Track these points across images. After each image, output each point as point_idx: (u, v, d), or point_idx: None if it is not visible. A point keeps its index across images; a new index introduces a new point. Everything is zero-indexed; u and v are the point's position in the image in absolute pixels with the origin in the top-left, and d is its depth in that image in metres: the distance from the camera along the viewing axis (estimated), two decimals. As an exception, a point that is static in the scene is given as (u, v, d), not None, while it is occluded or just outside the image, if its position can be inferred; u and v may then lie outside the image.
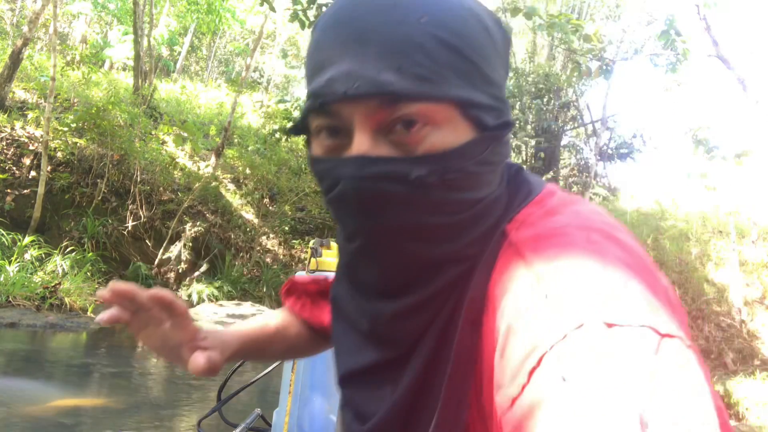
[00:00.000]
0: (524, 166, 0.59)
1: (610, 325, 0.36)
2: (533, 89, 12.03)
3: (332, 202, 0.51)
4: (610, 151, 11.94)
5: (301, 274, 1.71)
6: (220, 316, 7.60)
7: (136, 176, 9.33)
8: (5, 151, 8.68)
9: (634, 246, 0.45)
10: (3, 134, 8.78)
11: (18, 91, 9.95)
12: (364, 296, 0.56)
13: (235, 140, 12.27)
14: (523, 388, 0.38)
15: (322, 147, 0.52)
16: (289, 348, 0.86)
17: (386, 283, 0.53)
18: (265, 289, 9.66)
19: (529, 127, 11.95)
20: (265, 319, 0.86)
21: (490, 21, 0.52)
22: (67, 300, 5.97)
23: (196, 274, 9.31)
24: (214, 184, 10.57)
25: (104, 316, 0.57)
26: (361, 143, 0.48)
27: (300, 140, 13.08)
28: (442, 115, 0.47)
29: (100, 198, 8.93)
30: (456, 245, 0.50)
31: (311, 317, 0.84)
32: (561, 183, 12.69)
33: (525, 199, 0.52)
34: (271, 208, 11.06)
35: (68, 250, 7.26)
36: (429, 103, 0.47)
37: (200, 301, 8.56)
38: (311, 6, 5.90)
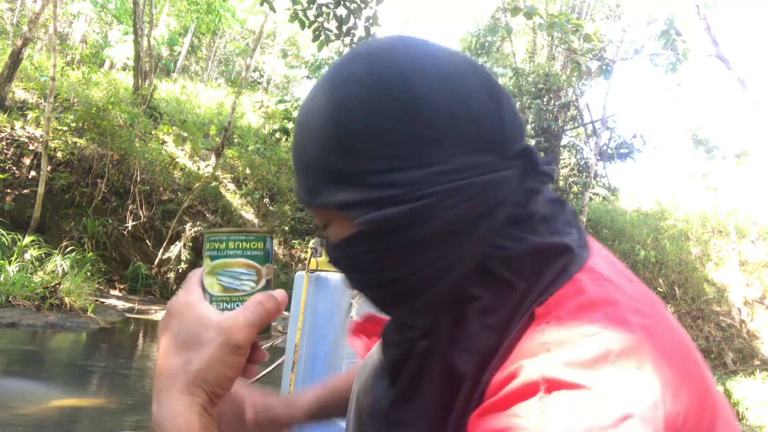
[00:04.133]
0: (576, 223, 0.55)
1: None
2: (533, 89, 12.03)
3: None
4: (610, 151, 11.94)
5: (300, 274, 1.71)
6: (220, 316, 7.60)
7: (136, 176, 9.33)
8: (5, 151, 8.68)
9: (674, 347, 0.43)
10: (3, 134, 8.78)
11: (18, 91, 9.95)
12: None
13: (235, 140, 12.27)
14: None
15: None
16: None
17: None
18: (265, 289, 9.66)
19: (528, 127, 11.95)
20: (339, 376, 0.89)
21: (383, 100, 0.51)
22: (67, 300, 5.97)
23: (196, 274, 9.31)
24: (214, 184, 10.57)
25: None
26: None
27: (300, 140, 13.08)
28: (327, 216, 0.56)
29: (100, 198, 8.93)
30: (400, 312, 0.57)
31: None
32: (561, 183, 12.69)
33: (559, 279, 0.48)
34: (271, 208, 11.06)
35: (68, 250, 7.26)
36: (318, 209, 0.55)
37: (200, 301, 8.57)
38: (311, 6, 5.89)
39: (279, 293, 0.54)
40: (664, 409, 0.39)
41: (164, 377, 0.48)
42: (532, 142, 11.82)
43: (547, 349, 0.43)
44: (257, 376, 1.68)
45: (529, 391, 0.41)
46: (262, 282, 0.54)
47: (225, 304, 0.52)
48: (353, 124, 0.51)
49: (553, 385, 0.40)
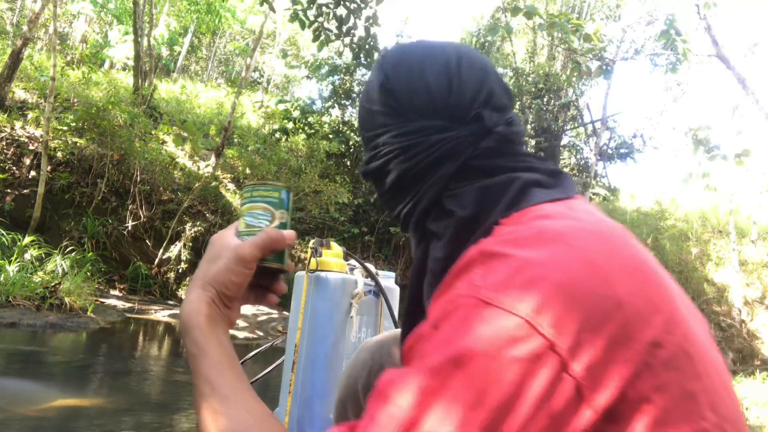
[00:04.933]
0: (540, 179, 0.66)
1: (488, 305, 0.47)
2: (533, 89, 12.03)
3: None
4: (610, 151, 11.94)
5: (300, 274, 1.71)
6: (220, 316, 7.59)
7: (136, 176, 9.33)
8: (5, 151, 8.68)
9: (593, 254, 0.51)
10: (3, 134, 8.78)
11: (18, 91, 9.94)
12: None
13: (235, 140, 12.27)
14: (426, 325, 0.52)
15: None
16: None
17: None
18: (265, 289, 9.65)
19: (529, 127, 11.95)
20: None
21: (382, 87, 0.73)
22: (67, 300, 5.97)
23: (196, 274, 9.31)
24: (214, 184, 10.57)
25: None
26: None
27: (300, 140, 13.08)
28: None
29: (100, 198, 8.93)
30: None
31: None
32: (561, 183, 12.69)
33: (525, 203, 0.62)
34: (271, 208, 11.06)
35: (68, 250, 7.26)
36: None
37: (200, 301, 8.55)
38: (311, 6, 5.89)
39: (287, 232, 0.67)
40: (565, 275, 0.48)
41: (193, 281, 0.65)
42: (533, 142, 11.81)
43: (487, 239, 0.56)
44: (257, 377, 1.68)
45: (468, 266, 0.52)
46: (276, 222, 0.68)
47: (246, 237, 0.67)
48: (362, 104, 0.76)
49: (485, 257, 0.52)
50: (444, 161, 0.67)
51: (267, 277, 0.71)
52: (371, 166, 0.73)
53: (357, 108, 0.79)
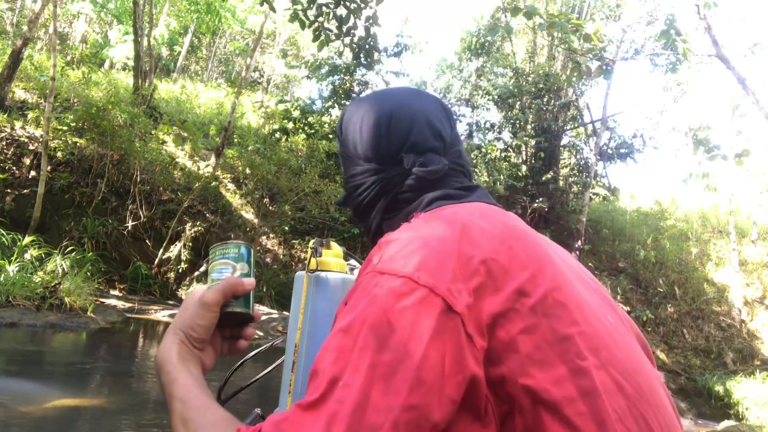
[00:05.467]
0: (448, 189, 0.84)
1: (381, 273, 0.59)
2: (533, 89, 12.02)
3: None
4: (610, 151, 11.93)
5: (300, 274, 1.71)
6: (220, 316, 7.58)
7: (136, 176, 9.33)
8: (5, 151, 8.68)
9: (465, 227, 0.65)
10: (3, 134, 8.78)
11: (18, 91, 9.94)
12: None
13: (235, 140, 12.27)
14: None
15: None
16: None
17: None
18: (265, 289, 9.65)
19: (529, 127, 11.95)
20: None
21: (348, 126, 0.90)
22: (67, 300, 5.97)
23: (196, 274, 9.31)
24: (214, 184, 10.57)
25: None
26: None
27: (300, 140, 13.08)
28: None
29: (100, 198, 8.93)
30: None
31: None
32: (561, 183, 12.68)
33: (426, 208, 0.78)
34: (271, 208, 11.06)
35: (68, 250, 7.26)
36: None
37: (200, 301, 8.55)
38: (311, 6, 5.89)
39: (247, 279, 0.76)
40: (439, 241, 0.62)
41: (167, 330, 0.74)
42: (532, 142, 11.80)
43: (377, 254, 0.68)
44: (257, 377, 1.68)
45: (371, 255, 0.67)
46: (237, 273, 0.77)
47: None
48: (342, 135, 0.93)
49: (384, 243, 0.66)
50: (380, 197, 0.84)
51: (236, 325, 0.81)
52: (341, 198, 0.93)
53: None
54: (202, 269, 9.37)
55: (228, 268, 0.77)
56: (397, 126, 0.84)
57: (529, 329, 0.57)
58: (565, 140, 13.20)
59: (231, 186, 11.16)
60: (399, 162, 0.83)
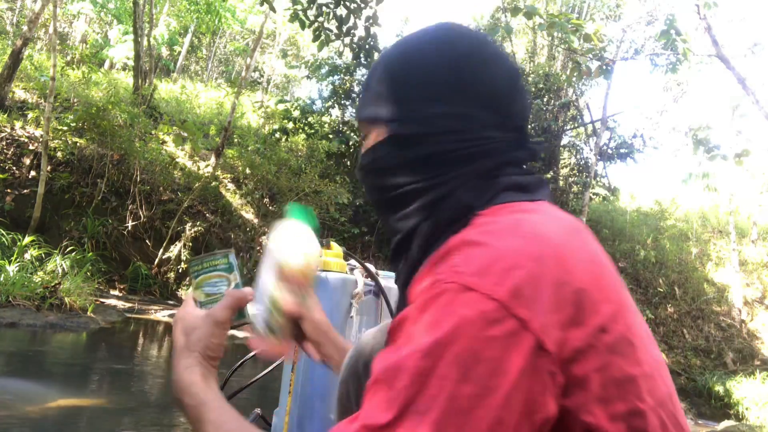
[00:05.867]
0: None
1: (470, 290, 0.52)
2: (533, 89, 12.03)
3: None
4: (610, 151, 11.93)
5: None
6: (220, 316, 7.59)
7: (136, 176, 9.33)
8: (5, 151, 8.68)
9: (560, 246, 0.58)
10: (3, 134, 8.78)
11: (18, 91, 9.94)
12: None
13: (235, 140, 12.27)
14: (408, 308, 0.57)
15: None
16: None
17: None
18: (265, 289, 9.65)
19: (529, 126, 11.95)
20: None
21: (441, 57, 0.71)
22: (67, 300, 5.97)
23: (196, 274, 9.30)
24: (214, 184, 10.56)
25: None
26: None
27: (300, 140, 13.07)
28: (368, 128, 0.77)
29: (100, 198, 8.93)
30: (390, 218, 0.74)
31: None
32: (561, 183, 12.68)
33: (502, 201, 0.66)
34: (271, 208, 11.06)
35: (68, 250, 7.26)
36: (362, 121, 0.78)
37: (200, 301, 8.55)
38: (311, 6, 5.89)
39: (246, 289, 0.77)
40: (536, 265, 0.54)
41: (176, 354, 0.72)
42: (532, 142, 11.79)
43: (467, 230, 0.61)
44: (257, 377, 1.68)
45: (448, 253, 0.57)
46: (232, 284, 0.77)
47: (211, 305, 0.77)
48: (414, 70, 0.72)
49: (465, 245, 0.57)
50: (480, 158, 0.69)
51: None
52: (407, 128, 0.71)
53: (372, 69, 0.78)
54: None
55: (223, 281, 0.77)
56: (524, 91, 0.75)
57: (602, 368, 0.54)
58: (565, 140, 13.20)
59: (231, 186, 11.16)
60: (514, 128, 0.72)
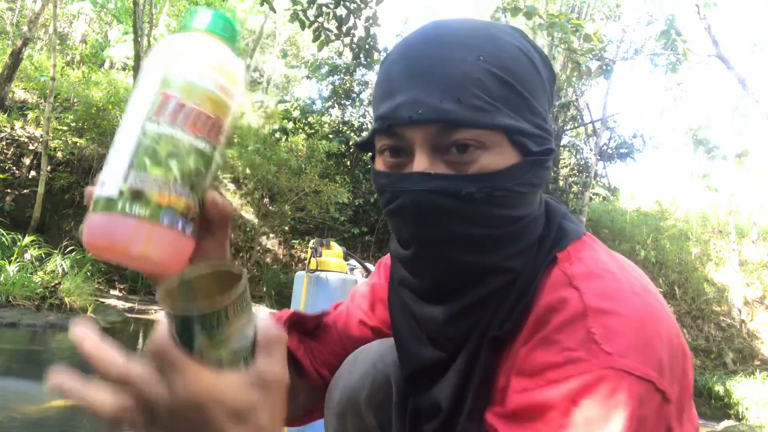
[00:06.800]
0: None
1: (629, 374, 0.48)
2: (533, 89, 12.02)
3: (391, 213, 0.60)
4: (610, 151, 11.93)
5: (301, 274, 1.72)
6: (220, 316, 7.59)
7: (136, 176, 9.32)
8: (5, 151, 8.68)
9: (657, 300, 0.55)
10: (3, 134, 8.78)
11: (18, 91, 9.94)
12: (419, 302, 0.65)
13: (235, 140, 12.27)
14: (539, 386, 0.50)
15: (385, 164, 0.60)
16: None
17: (436, 289, 0.62)
18: (265, 289, 9.65)
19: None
20: None
21: (537, 58, 0.59)
22: (67, 300, 5.97)
23: (196, 274, 9.30)
24: (213, 183, 10.56)
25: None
26: (421, 162, 0.56)
27: (300, 140, 13.08)
28: (492, 140, 0.55)
29: (100, 198, 8.93)
30: (497, 257, 0.59)
31: (311, 364, 0.84)
32: (561, 183, 12.68)
33: (573, 235, 0.60)
34: (271, 208, 11.07)
35: (68, 250, 7.26)
36: (482, 130, 0.55)
37: (200, 301, 8.56)
38: (311, 6, 5.89)
39: (279, 332, 0.44)
40: (673, 333, 0.53)
41: None
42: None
43: (578, 283, 0.53)
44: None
45: (575, 321, 0.51)
46: (252, 321, 0.43)
47: (239, 362, 0.42)
48: (523, 67, 0.57)
49: (596, 314, 0.50)
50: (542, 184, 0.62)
51: None
52: (546, 148, 0.58)
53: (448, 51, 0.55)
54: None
55: (250, 322, 0.42)
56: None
57: (681, 422, 0.55)
58: (565, 140, 13.20)
59: (231, 186, 11.17)
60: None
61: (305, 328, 0.86)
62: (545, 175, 0.60)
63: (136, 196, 0.41)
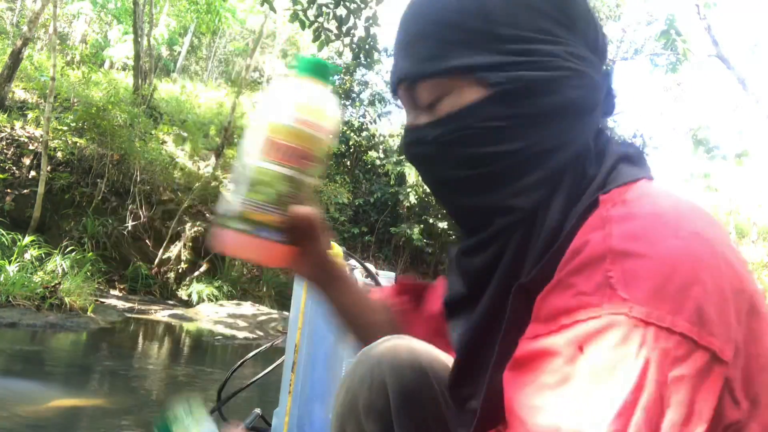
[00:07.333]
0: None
1: (647, 324, 0.41)
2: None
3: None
4: (610, 151, 11.92)
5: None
6: (221, 316, 7.60)
7: (136, 176, 9.33)
8: (5, 151, 8.68)
9: (718, 241, 0.46)
10: (3, 134, 8.78)
11: (18, 91, 9.94)
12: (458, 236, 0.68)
13: (235, 140, 12.27)
14: (550, 332, 0.45)
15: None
16: (369, 324, 0.83)
17: (458, 227, 0.65)
18: (265, 289, 9.66)
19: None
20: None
21: None
22: (67, 300, 5.97)
23: (196, 273, 9.31)
24: (214, 184, 10.57)
25: None
26: (408, 118, 0.62)
27: (300, 140, 13.09)
28: (449, 84, 0.56)
29: (100, 198, 8.93)
30: (496, 196, 0.57)
31: (413, 321, 0.85)
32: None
33: (625, 178, 0.53)
34: (271, 208, 11.07)
35: (68, 250, 7.26)
36: (435, 78, 0.56)
37: (200, 301, 8.57)
38: (311, 6, 5.89)
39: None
40: (732, 285, 0.44)
41: None
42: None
43: (610, 225, 0.47)
44: (257, 377, 1.68)
45: (593, 263, 0.45)
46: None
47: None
48: None
49: (618, 256, 0.44)
50: (595, 109, 0.57)
51: None
52: (527, 74, 0.54)
53: (420, 3, 0.59)
54: (202, 269, 9.37)
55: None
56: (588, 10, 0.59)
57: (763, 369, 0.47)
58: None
59: (231, 186, 11.16)
60: (601, 71, 0.57)
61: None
62: (531, 108, 0.54)
63: (241, 216, 0.59)
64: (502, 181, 0.56)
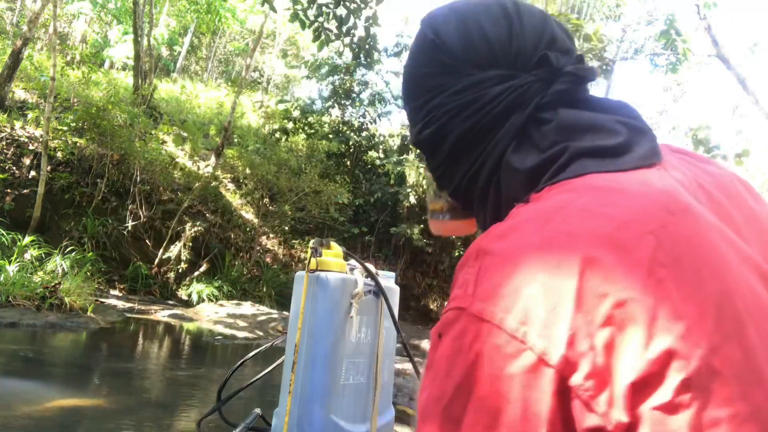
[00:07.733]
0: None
1: (481, 320, 0.44)
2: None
3: None
4: (610, 151, 11.91)
5: (300, 274, 1.71)
6: (221, 316, 7.60)
7: (136, 176, 9.33)
8: (5, 151, 8.68)
9: (595, 243, 0.44)
10: (3, 134, 8.78)
11: (18, 91, 9.95)
12: None
13: (235, 140, 12.28)
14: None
15: None
16: None
17: None
18: (265, 289, 9.66)
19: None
20: None
21: (420, 50, 0.67)
22: (67, 300, 5.97)
23: (196, 273, 9.31)
24: (214, 184, 10.57)
25: None
26: None
27: (300, 140, 13.08)
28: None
29: (100, 198, 8.93)
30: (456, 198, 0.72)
31: None
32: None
33: (568, 174, 0.53)
34: (271, 208, 11.07)
35: (68, 250, 7.26)
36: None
37: (200, 300, 8.57)
38: (311, 6, 5.89)
39: None
40: (565, 282, 0.43)
41: None
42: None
43: (495, 225, 0.51)
44: (257, 377, 1.68)
45: (467, 260, 0.49)
46: None
47: None
48: (408, 70, 0.69)
49: (481, 253, 0.48)
50: (510, 113, 0.60)
51: None
52: (425, 133, 0.66)
53: (402, 76, 0.72)
54: (202, 269, 9.37)
55: None
56: (531, 17, 0.64)
57: (675, 407, 0.40)
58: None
59: (231, 186, 11.17)
60: (536, 64, 0.61)
61: None
62: (448, 142, 0.64)
63: (430, 209, 0.78)
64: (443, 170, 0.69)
